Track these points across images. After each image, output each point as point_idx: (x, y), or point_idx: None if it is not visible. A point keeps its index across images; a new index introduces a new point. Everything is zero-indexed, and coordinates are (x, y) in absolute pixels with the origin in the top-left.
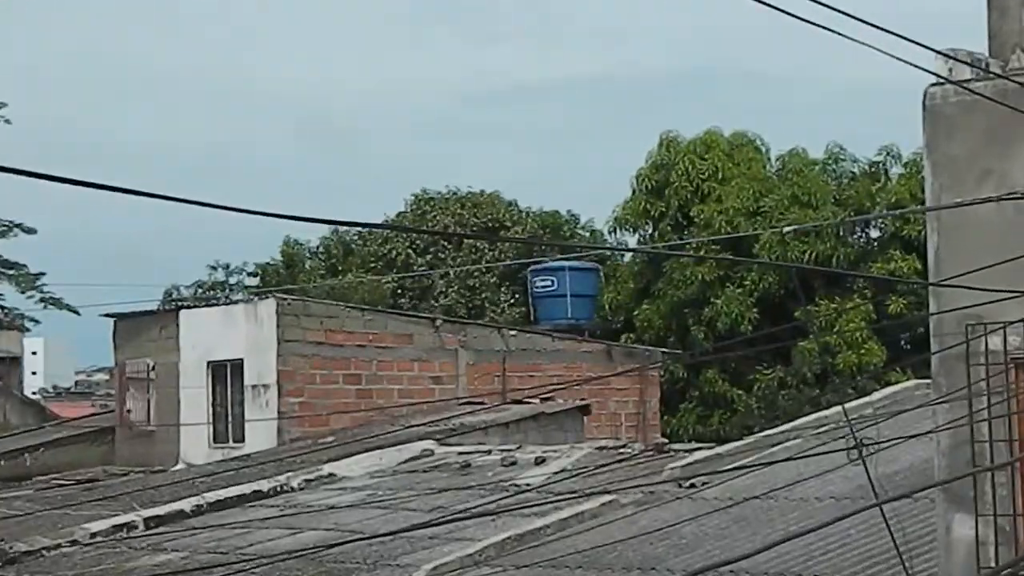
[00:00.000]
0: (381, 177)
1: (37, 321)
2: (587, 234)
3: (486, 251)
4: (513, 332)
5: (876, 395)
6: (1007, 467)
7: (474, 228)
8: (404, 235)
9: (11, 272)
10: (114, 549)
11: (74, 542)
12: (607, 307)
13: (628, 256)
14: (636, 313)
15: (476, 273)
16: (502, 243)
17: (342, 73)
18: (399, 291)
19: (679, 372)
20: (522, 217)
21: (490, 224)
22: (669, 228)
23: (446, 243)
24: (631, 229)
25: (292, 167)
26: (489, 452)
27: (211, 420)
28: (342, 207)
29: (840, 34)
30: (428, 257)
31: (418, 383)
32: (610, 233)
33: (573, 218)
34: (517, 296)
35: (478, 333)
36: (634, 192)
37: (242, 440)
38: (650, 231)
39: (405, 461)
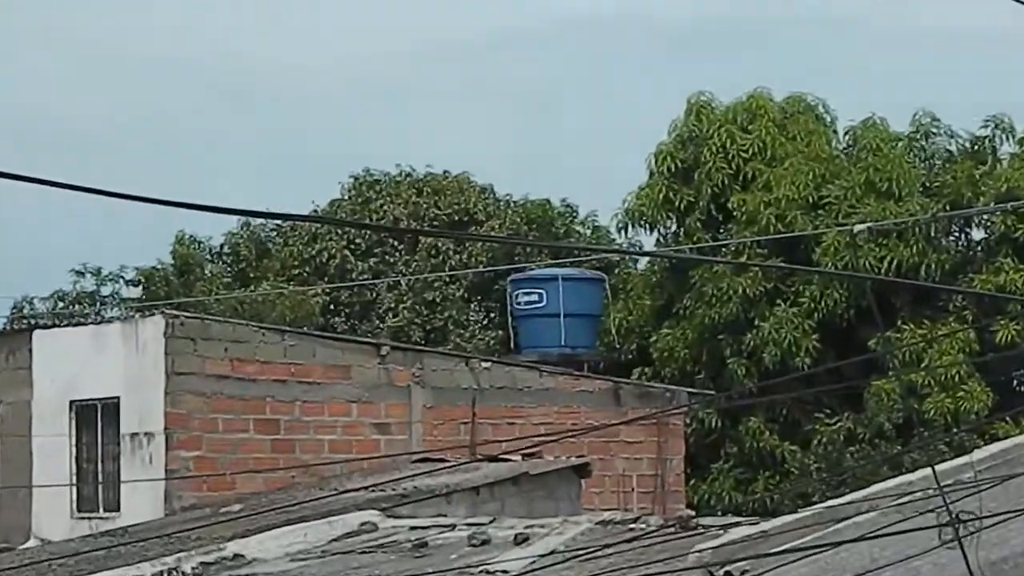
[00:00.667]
0: (316, 155)
1: None
2: (587, 232)
3: (451, 254)
4: (487, 364)
5: (978, 454)
6: None
7: (434, 223)
8: (340, 233)
9: None
10: None
11: None
12: (614, 331)
13: (643, 262)
14: (654, 340)
15: (437, 284)
16: (472, 243)
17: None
18: (333, 307)
19: (711, 421)
20: (500, 208)
21: (456, 217)
22: (699, 224)
23: (396, 242)
24: (647, 226)
25: (220, 140)
26: (452, 527)
27: (74, 481)
28: (270, 194)
29: None
30: (372, 261)
31: (357, 432)
32: (619, 231)
33: (568, 210)
34: (492, 316)
35: (439, 365)
36: (652, 176)
37: (116, 508)
38: (673, 228)
39: (339, 538)
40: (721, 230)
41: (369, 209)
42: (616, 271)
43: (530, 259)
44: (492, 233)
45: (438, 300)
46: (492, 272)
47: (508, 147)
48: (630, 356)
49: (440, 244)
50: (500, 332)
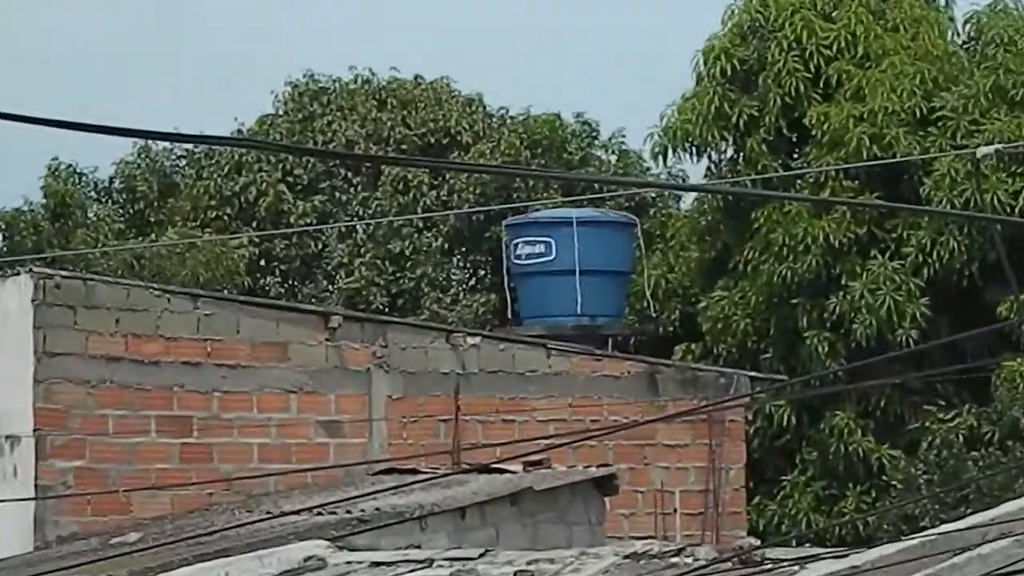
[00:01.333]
0: (238, 56)
1: None
2: (611, 160)
3: (425, 189)
4: (474, 340)
5: None
6: None
7: (403, 147)
8: (273, 161)
9: None
10: None
11: None
12: (649, 294)
13: (689, 199)
14: (703, 306)
15: (407, 230)
16: (455, 175)
17: None
18: (264, 262)
19: (783, 416)
20: (492, 127)
21: (433, 139)
22: (764, 147)
23: (350, 174)
24: (694, 150)
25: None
26: (429, 563)
27: None
28: (179, 111)
29: None
30: (317, 200)
31: (298, 433)
32: (655, 158)
33: (586, 129)
34: (482, 274)
35: (410, 341)
36: (701, 82)
37: None
38: (729, 153)
39: None
40: (795, 155)
41: (312, 129)
42: (652, 212)
43: (533, 196)
44: (482, 161)
45: (408, 253)
46: (482, 215)
47: (502, 44)
48: (671, 328)
49: (411, 176)
50: (493, 296)
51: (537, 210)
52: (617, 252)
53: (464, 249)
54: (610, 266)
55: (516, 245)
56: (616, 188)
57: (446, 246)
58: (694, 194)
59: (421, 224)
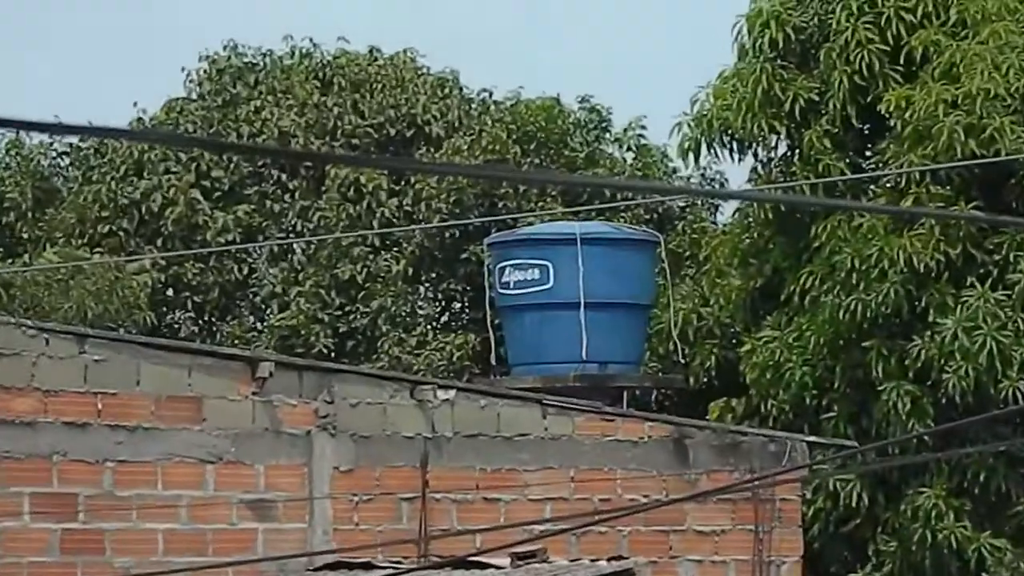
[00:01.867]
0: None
1: None
2: (628, 157)
3: (384, 197)
4: (447, 394)
5: None
6: None
7: (352, 141)
8: (181, 159)
9: None
10: None
11: None
12: (676, 335)
13: (728, 210)
14: (747, 349)
15: (361, 248)
16: (423, 178)
17: None
18: (172, 291)
19: (851, 494)
20: (472, 114)
21: (395, 130)
22: (826, 141)
23: (285, 176)
24: (734, 144)
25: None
26: None
27: None
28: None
29: None
30: (242, 210)
31: (217, 516)
32: (685, 154)
33: (594, 118)
34: (458, 307)
35: (362, 396)
36: (744, 56)
37: None
38: (781, 149)
39: None
40: (868, 151)
41: (236, 118)
42: (680, 227)
43: (525, 206)
44: (457, 160)
45: (361, 280)
46: (458, 230)
47: (484, 14)
48: (705, 379)
49: (364, 178)
50: (472, 337)
51: (530, 223)
52: (634, 279)
53: (434, 275)
54: (625, 297)
55: (502, 270)
56: (633, 195)
57: (410, 271)
58: (736, 203)
59: (378, 242)
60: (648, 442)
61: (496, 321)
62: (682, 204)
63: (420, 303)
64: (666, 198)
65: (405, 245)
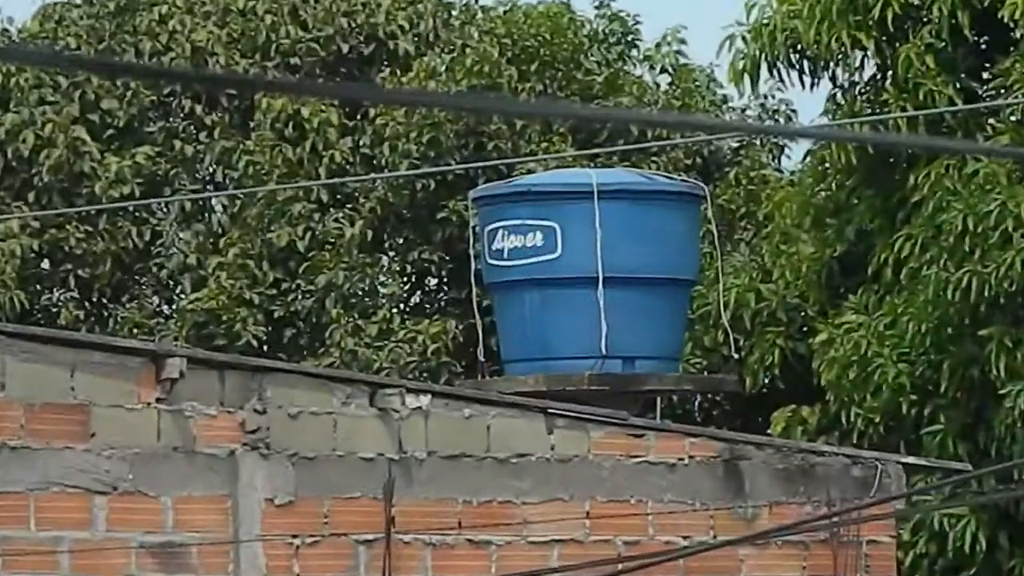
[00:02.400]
0: None
1: None
2: (662, 81)
3: (332, 134)
4: (419, 400)
5: None
6: None
7: (295, 63)
8: (60, 85)
9: None
10: None
11: None
12: (727, 320)
13: (798, 154)
14: (823, 339)
15: (302, 206)
16: (385, 109)
17: None
18: (50, 266)
19: (963, 532)
20: (451, 25)
21: (348, 47)
22: (928, 60)
23: (200, 105)
24: (805, 64)
25: None
26: None
27: None
28: None
29: None
30: (143, 154)
31: (107, 567)
32: (736, 80)
33: (617, 30)
34: (434, 283)
35: (305, 403)
36: None
37: None
38: (869, 70)
39: None
40: (985, 73)
41: (132, 29)
42: (733, 176)
43: (523, 148)
44: (432, 85)
45: (303, 247)
46: (434, 179)
47: None
48: (767, 380)
49: (307, 111)
50: (452, 324)
51: (530, 171)
52: (671, 246)
53: (401, 241)
54: (659, 271)
55: (493, 234)
56: (669, 134)
57: (369, 236)
58: (807, 144)
59: (326, 196)
60: (689, 464)
61: (485, 303)
62: (735, 145)
63: (382, 279)
64: (713, 137)
65: (362, 201)
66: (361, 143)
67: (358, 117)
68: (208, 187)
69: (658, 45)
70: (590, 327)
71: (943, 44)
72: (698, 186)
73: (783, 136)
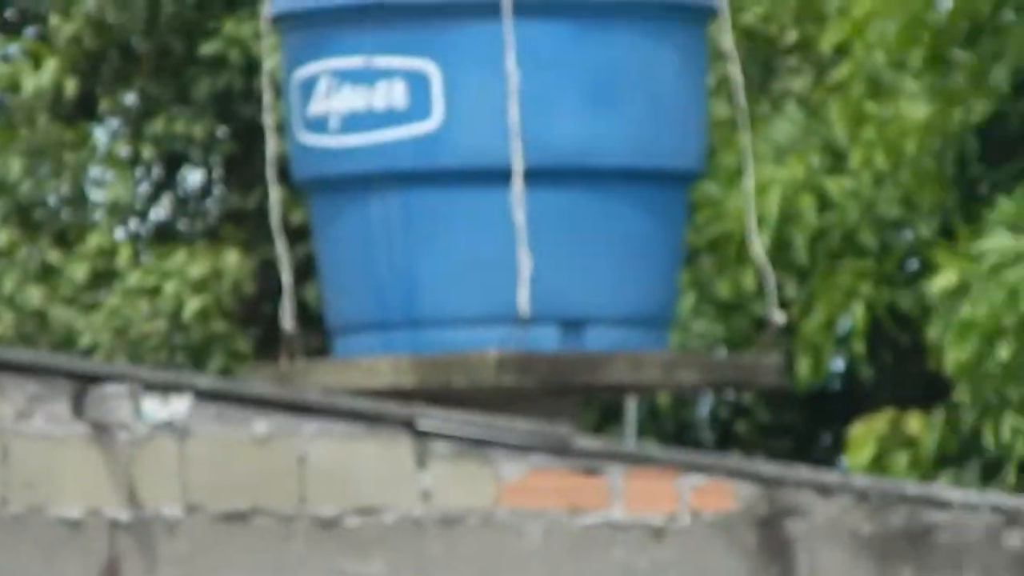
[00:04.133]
0: None
1: None
2: None
3: None
4: (169, 406)
5: None
6: None
7: None
8: None
9: None
10: None
11: None
12: (763, 256)
13: None
14: (947, 287)
15: None
16: None
17: None
18: None
19: None
20: None
21: None
22: None
23: None
24: None
25: None
26: None
27: None
28: None
29: None
30: None
31: None
32: None
33: None
34: (207, 179)
35: None
36: None
37: None
38: None
39: None
40: None
41: None
42: None
43: None
44: None
45: None
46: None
47: None
48: (841, 361)
49: None
50: (234, 258)
51: None
52: (653, 107)
53: (133, 100)
54: (629, 154)
55: (309, 85)
56: None
57: (69, 87)
58: None
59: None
60: (693, 528)
61: (293, 218)
62: None
63: (95, 172)
64: None
65: (55, 24)
66: None
67: None
68: None
69: None
70: (499, 264)
71: None
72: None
73: None
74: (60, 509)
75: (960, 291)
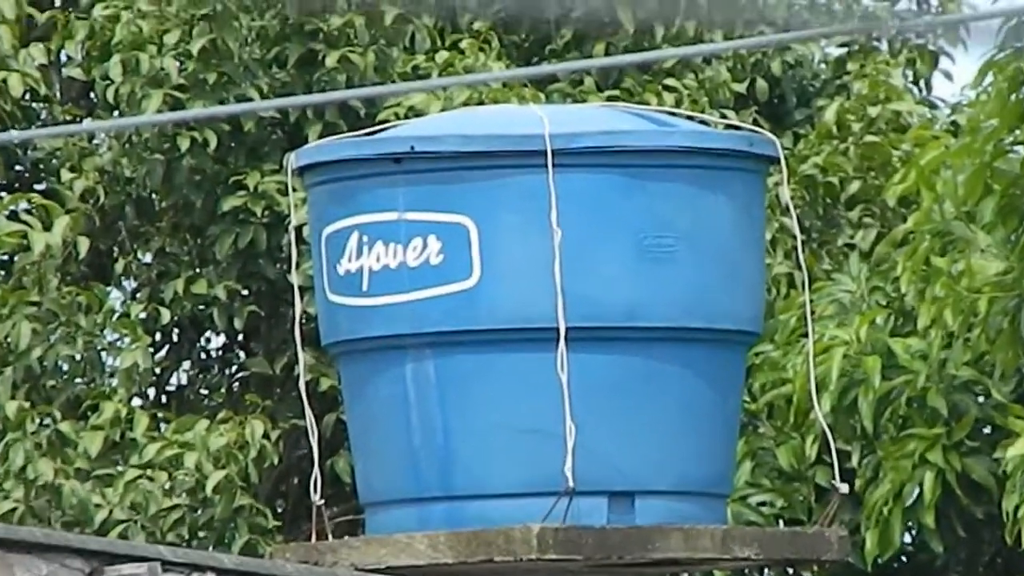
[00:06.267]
0: None
1: None
2: None
3: None
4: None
5: None
6: None
7: None
8: None
9: None
10: None
11: None
12: (829, 431)
13: (978, 56)
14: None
15: None
16: None
17: None
18: None
19: None
20: None
21: None
22: None
23: None
24: None
25: None
26: None
27: None
28: None
29: None
30: None
31: None
32: None
33: None
34: (229, 339)
35: None
36: None
37: None
38: None
39: None
40: None
41: None
42: (832, 111)
43: (391, 63)
44: None
45: None
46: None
47: None
48: (913, 536)
49: None
50: (260, 427)
51: (413, 112)
52: (707, 262)
53: (148, 257)
54: (681, 313)
55: (339, 241)
56: (701, 32)
57: (84, 245)
58: (989, 44)
59: None
60: None
61: (320, 381)
62: (839, 50)
63: (107, 332)
64: (792, 36)
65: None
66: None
67: None
68: None
69: None
70: (541, 432)
71: None
72: (762, 139)
73: (944, 28)
74: None
75: None
